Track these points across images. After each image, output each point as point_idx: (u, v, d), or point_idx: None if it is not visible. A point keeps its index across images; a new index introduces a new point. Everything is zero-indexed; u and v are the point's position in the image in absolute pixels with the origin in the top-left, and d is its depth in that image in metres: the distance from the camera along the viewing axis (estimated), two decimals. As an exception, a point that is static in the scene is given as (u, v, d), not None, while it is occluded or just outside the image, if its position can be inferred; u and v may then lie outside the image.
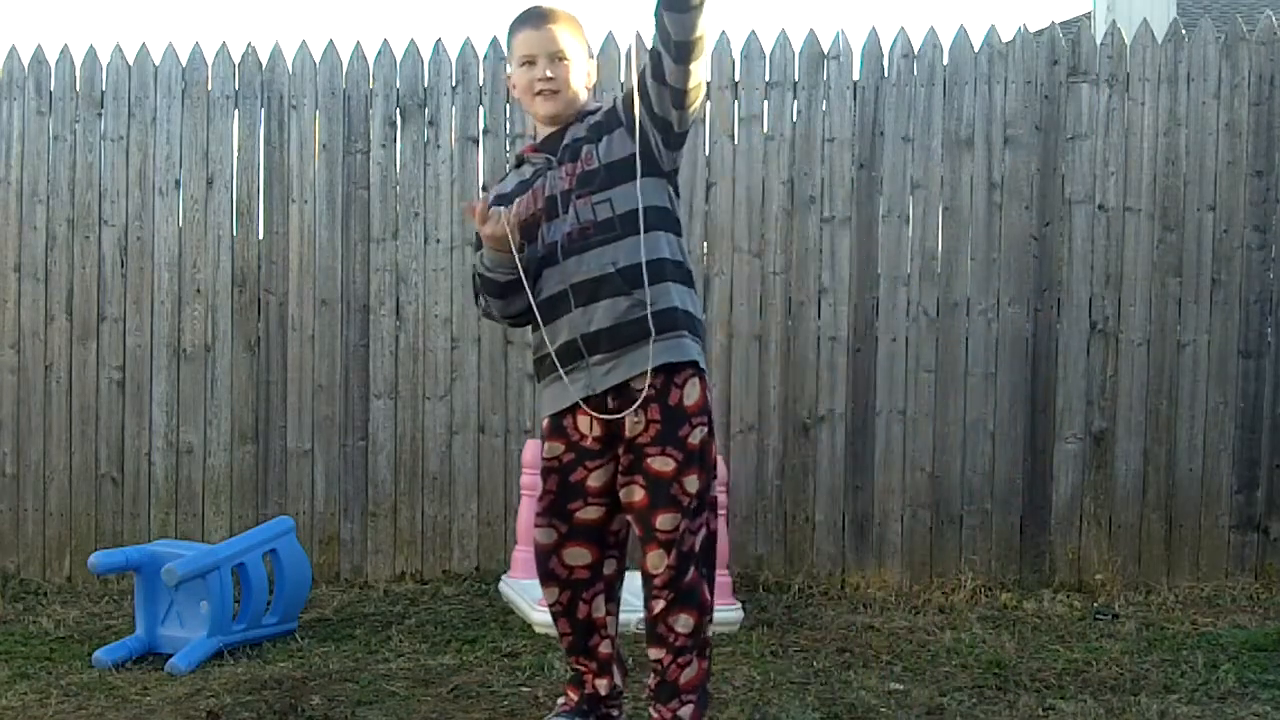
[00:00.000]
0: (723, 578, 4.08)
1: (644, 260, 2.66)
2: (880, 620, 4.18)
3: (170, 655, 3.64)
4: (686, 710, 2.75)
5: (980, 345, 4.73)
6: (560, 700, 2.94)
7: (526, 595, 4.05)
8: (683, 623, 2.72)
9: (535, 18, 2.79)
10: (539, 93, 2.77)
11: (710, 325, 4.78)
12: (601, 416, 2.71)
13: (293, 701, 3.17)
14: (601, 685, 2.85)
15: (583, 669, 2.86)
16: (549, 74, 2.74)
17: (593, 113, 2.81)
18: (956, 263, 4.75)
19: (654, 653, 2.78)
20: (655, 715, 2.77)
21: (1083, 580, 4.66)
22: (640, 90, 2.67)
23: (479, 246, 2.81)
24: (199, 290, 4.88)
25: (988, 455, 4.73)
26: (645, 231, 2.68)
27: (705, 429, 2.74)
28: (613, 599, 2.86)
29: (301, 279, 4.87)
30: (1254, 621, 4.19)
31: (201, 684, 3.43)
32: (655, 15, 2.57)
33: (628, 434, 2.70)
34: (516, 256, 2.66)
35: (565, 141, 2.78)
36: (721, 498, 4.10)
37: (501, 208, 2.67)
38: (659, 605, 2.74)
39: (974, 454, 4.73)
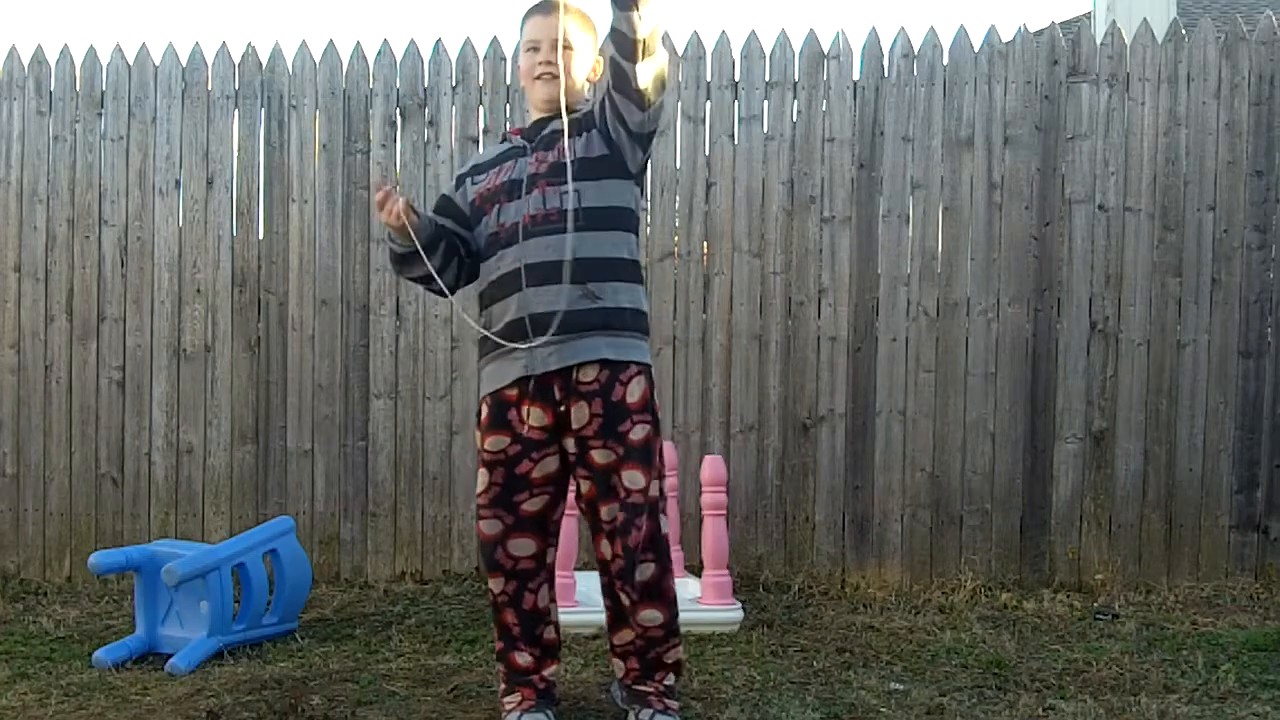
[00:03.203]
0: (723, 578, 4.10)
1: (601, 257, 2.78)
2: (880, 620, 4.17)
3: (170, 655, 3.64)
4: (670, 678, 2.93)
5: (980, 345, 4.74)
6: (513, 699, 2.92)
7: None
8: (650, 617, 2.85)
9: (546, 6, 2.88)
10: (538, 76, 2.87)
11: (710, 325, 4.79)
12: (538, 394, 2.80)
13: (293, 701, 3.16)
14: (549, 672, 2.95)
15: (527, 661, 2.91)
16: (550, 59, 2.84)
17: (579, 110, 2.90)
18: (956, 263, 4.75)
19: (621, 635, 2.91)
20: (647, 689, 2.89)
21: (1083, 580, 4.66)
22: (607, 100, 2.79)
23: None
24: (199, 290, 4.88)
25: (988, 455, 4.73)
26: (606, 229, 2.80)
27: (648, 427, 2.83)
28: (553, 585, 2.97)
29: (301, 279, 4.87)
30: (1254, 621, 4.19)
31: (201, 684, 3.43)
32: (611, 25, 2.69)
33: (574, 425, 2.79)
34: (415, 239, 2.80)
35: (544, 131, 2.88)
36: (721, 497, 4.14)
37: (401, 198, 2.79)
38: (625, 599, 2.85)
39: (974, 454, 4.73)
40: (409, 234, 2.79)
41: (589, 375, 2.77)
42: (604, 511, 2.81)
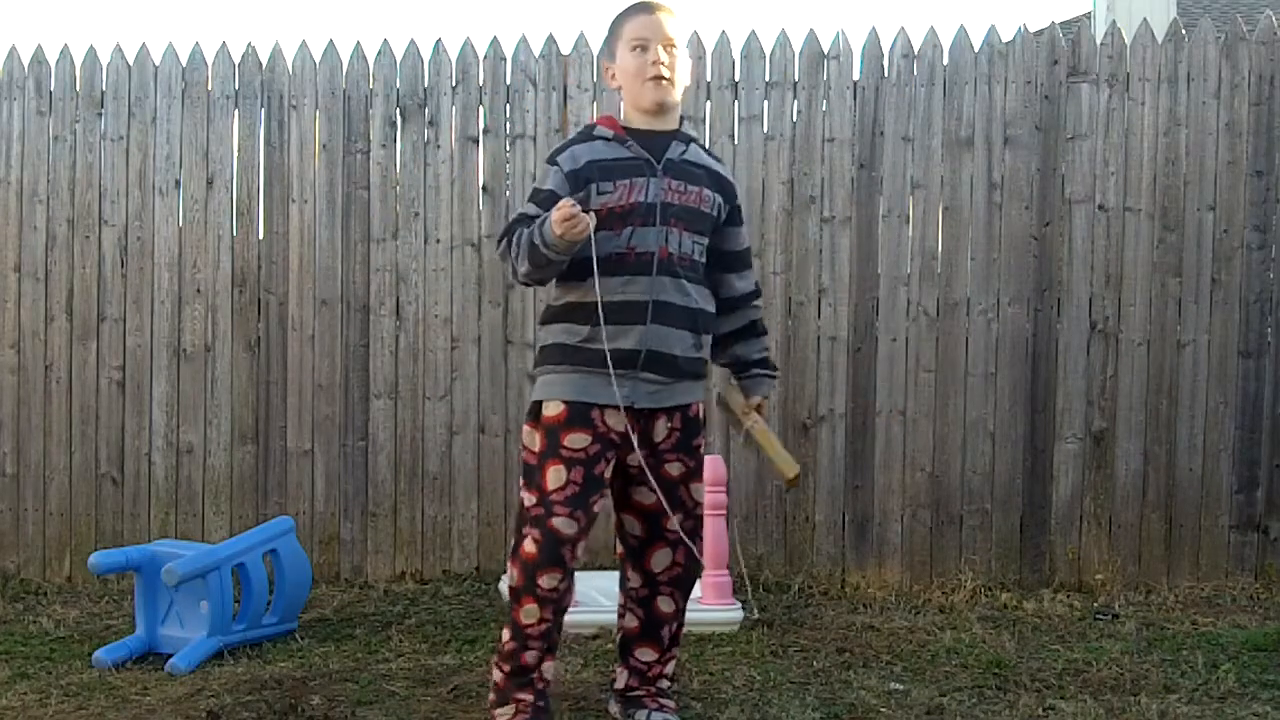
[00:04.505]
0: (723, 578, 4.10)
1: (708, 310, 2.87)
2: (880, 620, 4.17)
3: (170, 655, 3.64)
4: (664, 682, 3.02)
5: (980, 345, 4.73)
6: (505, 711, 2.88)
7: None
8: (678, 630, 2.99)
9: (649, 5, 2.83)
10: (652, 77, 2.78)
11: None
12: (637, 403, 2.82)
13: (293, 701, 3.16)
14: (548, 669, 2.92)
15: (534, 658, 2.86)
16: (664, 60, 2.78)
17: (696, 141, 2.93)
18: (956, 263, 4.75)
19: (647, 654, 2.97)
20: (641, 692, 2.98)
21: (1083, 580, 4.66)
22: (725, 257, 2.95)
23: (533, 198, 2.83)
24: (199, 290, 4.88)
25: (988, 455, 4.73)
26: (709, 286, 2.90)
27: (703, 442, 2.97)
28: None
29: (301, 279, 4.87)
30: (1254, 621, 4.19)
31: (201, 684, 3.43)
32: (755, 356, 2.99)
33: (656, 438, 2.85)
34: (595, 263, 2.70)
35: (669, 155, 2.82)
36: (721, 497, 4.14)
37: (590, 215, 2.64)
38: (668, 607, 2.94)
39: (974, 454, 4.73)
40: (571, 247, 2.65)
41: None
42: (672, 521, 2.87)
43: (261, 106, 4.90)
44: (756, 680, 3.43)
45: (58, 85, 4.93)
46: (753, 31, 4.81)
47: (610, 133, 2.83)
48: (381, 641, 3.92)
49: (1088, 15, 11.56)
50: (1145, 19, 5.08)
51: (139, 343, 4.89)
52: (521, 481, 2.89)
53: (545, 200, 2.76)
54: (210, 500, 4.89)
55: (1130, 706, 3.17)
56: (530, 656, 2.87)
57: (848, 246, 4.76)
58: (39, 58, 4.94)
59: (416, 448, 4.85)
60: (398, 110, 4.87)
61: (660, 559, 2.91)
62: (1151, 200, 4.70)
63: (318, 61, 4.88)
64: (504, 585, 4.40)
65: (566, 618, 3.06)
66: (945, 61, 4.75)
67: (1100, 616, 4.25)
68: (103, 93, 4.92)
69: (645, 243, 2.75)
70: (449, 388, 4.84)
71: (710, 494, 4.13)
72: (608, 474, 2.83)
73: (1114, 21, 6.10)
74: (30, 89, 4.93)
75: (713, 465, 4.18)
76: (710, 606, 4.04)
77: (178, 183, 4.90)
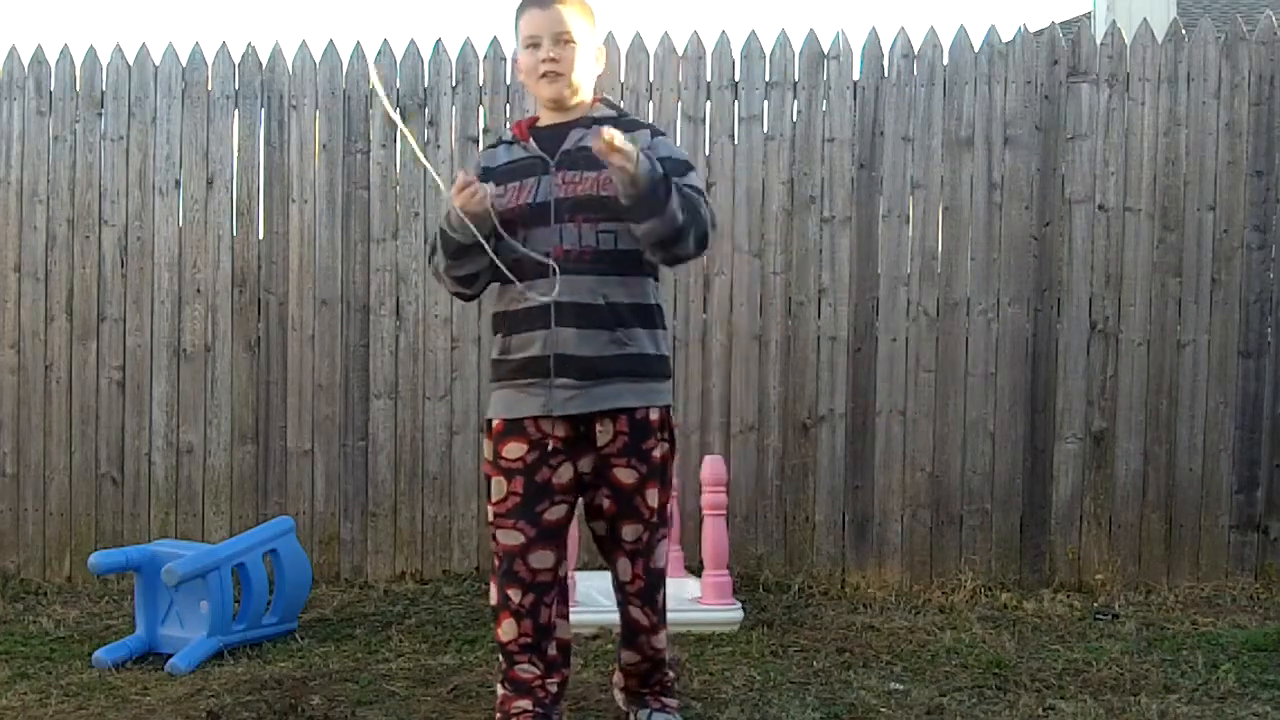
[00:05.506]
0: (723, 578, 4.10)
1: (631, 302, 2.70)
2: (880, 620, 4.17)
3: (170, 655, 3.64)
4: (673, 701, 2.97)
5: (980, 345, 4.73)
6: (519, 712, 2.78)
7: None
8: (660, 640, 2.90)
9: (539, 0, 2.74)
10: (543, 75, 2.72)
11: (710, 325, 4.79)
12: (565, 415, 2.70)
13: (293, 701, 3.17)
14: (552, 685, 2.79)
15: (531, 674, 2.75)
16: (553, 55, 2.70)
17: (612, 118, 2.76)
18: (956, 263, 4.75)
19: (633, 656, 2.93)
20: (644, 691, 2.95)
21: (1083, 580, 4.66)
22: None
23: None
24: (199, 290, 4.88)
25: (988, 455, 4.73)
26: (636, 274, 2.72)
27: (667, 445, 2.80)
28: (563, 600, 2.84)
29: (301, 279, 4.87)
30: (1254, 621, 4.19)
31: (201, 684, 3.43)
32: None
33: (599, 443, 2.72)
34: (480, 237, 2.61)
35: (567, 145, 2.72)
36: (721, 497, 4.14)
37: (489, 185, 2.64)
38: (642, 619, 2.86)
39: (974, 454, 4.73)
40: (472, 225, 2.60)
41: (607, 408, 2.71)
42: (627, 531, 2.77)
43: (261, 106, 4.90)
44: (756, 680, 3.43)
45: (58, 85, 4.93)
46: (753, 31, 4.81)
47: (512, 136, 2.83)
48: (381, 641, 3.92)
49: (1088, 15, 11.56)
50: (1145, 19, 5.07)
51: (139, 343, 4.90)
52: None
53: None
54: (210, 500, 4.89)
55: (1130, 706, 3.17)
56: (523, 671, 2.75)
57: (848, 246, 4.76)
58: (39, 58, 4.94)
59: (416, 448, 4.85)
60: (398, 110, 4.87)
61: (622, 569, 2.82)
62: (1151, 200, 4.70)
63: (318, 61, 4.88)
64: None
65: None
66: (945, 61, 4.75)
67: (1100, 616, 4.25)
68: (103, 93, 4.92)
69: (538, 245, 2.66)
70: (449, 388, 4.84)
71: (710, 494, 4.15)
72: (556, 480, 2.72)
73: (1114, 21, 6.10)
74: (30, 89, 4.93)
75: (712, 465, 4.19)
76: (710, 606, 4.04)
77: (178, 183, 4.90)
